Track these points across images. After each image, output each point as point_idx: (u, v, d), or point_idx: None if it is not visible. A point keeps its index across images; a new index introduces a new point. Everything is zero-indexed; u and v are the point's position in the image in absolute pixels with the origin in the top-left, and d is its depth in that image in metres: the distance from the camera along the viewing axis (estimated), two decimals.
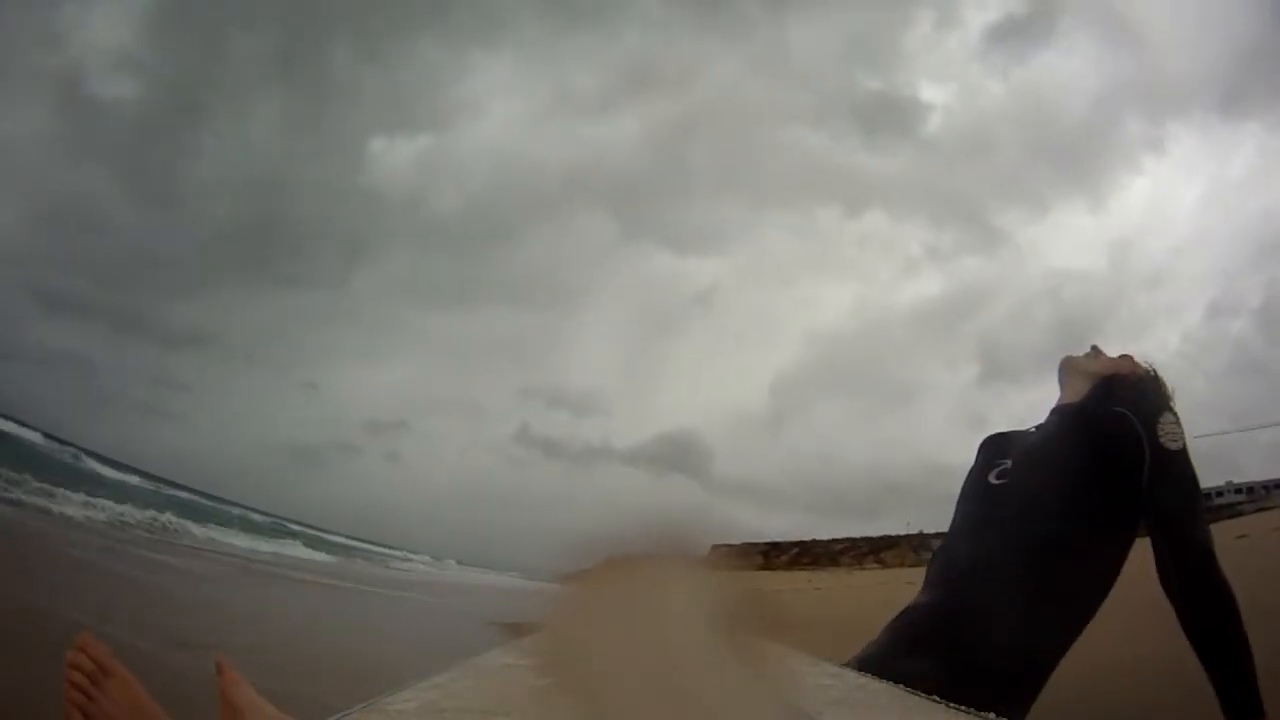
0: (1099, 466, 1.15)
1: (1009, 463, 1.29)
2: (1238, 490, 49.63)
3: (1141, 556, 1.16)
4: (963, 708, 0.72)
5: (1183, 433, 1.14)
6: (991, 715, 0.70)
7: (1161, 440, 1.11)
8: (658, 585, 0.47)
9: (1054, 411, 1.32)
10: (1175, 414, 1.16)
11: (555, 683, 0.54)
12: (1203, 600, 1.10)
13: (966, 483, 1.40)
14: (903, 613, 1.30)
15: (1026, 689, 1.12)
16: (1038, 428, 1.37)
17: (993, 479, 1.29)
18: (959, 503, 1.39)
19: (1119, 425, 1.14)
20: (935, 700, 0.75)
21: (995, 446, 1.38)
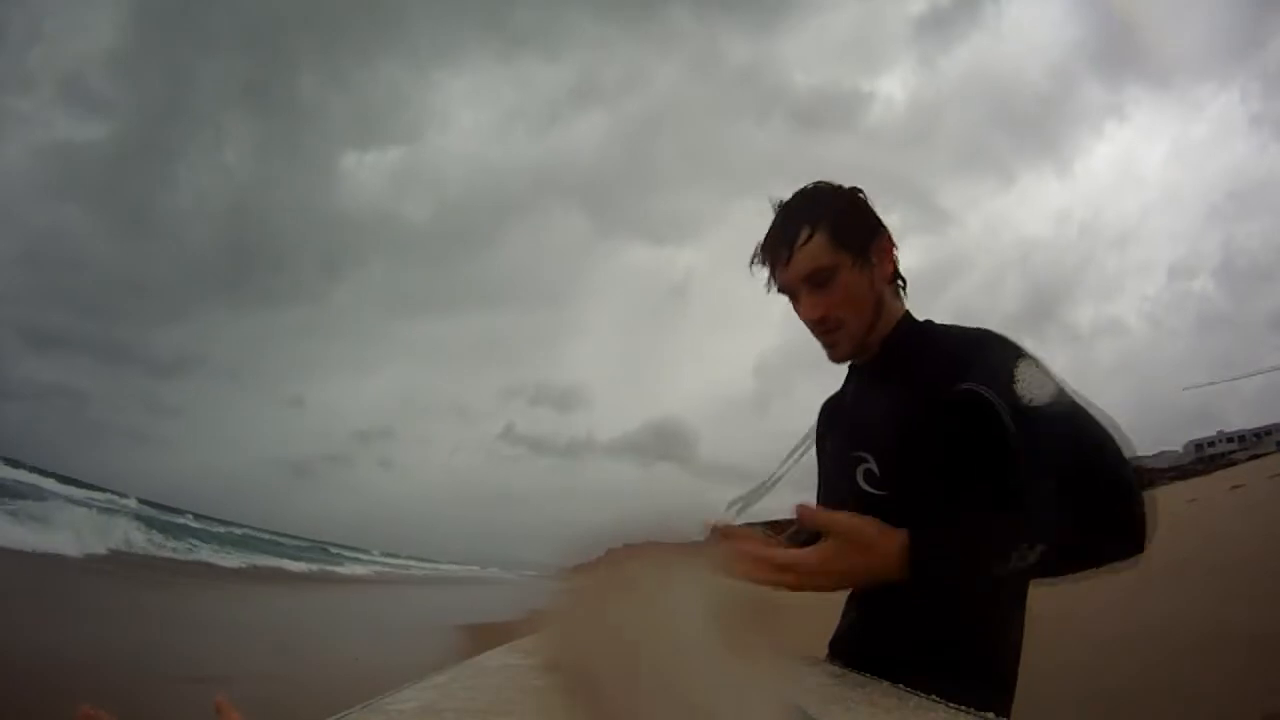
0: (975, 453, 0.97)
1: (872, 462, 1.08)
2: (1229, 439, 50.34)
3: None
4: (963, 708, 0.71)
5: (1048, 378, 0.95)
6: (991, 715, 0.68)
7: (1023, 400, 0.93)
8: (656, 581, 0.46)
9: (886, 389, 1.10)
10: (1033, 360, 0.97)
11: (555, 683, 0.53)
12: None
13: (832, 474, 1.18)
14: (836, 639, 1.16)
15: (1005, 671, 1.02)
16: (858, 388, 1.18)
17: (863, 484, 1.09)
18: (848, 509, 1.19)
19: (972, 404, 0.96)
20: (935, 700, 0.74)
21: (850, 433, 1.14)
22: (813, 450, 1.27)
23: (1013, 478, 0.97)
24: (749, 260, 1.15)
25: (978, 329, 1.07)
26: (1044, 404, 0.93)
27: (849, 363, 1.19)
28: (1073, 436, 0.92)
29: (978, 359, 1.00)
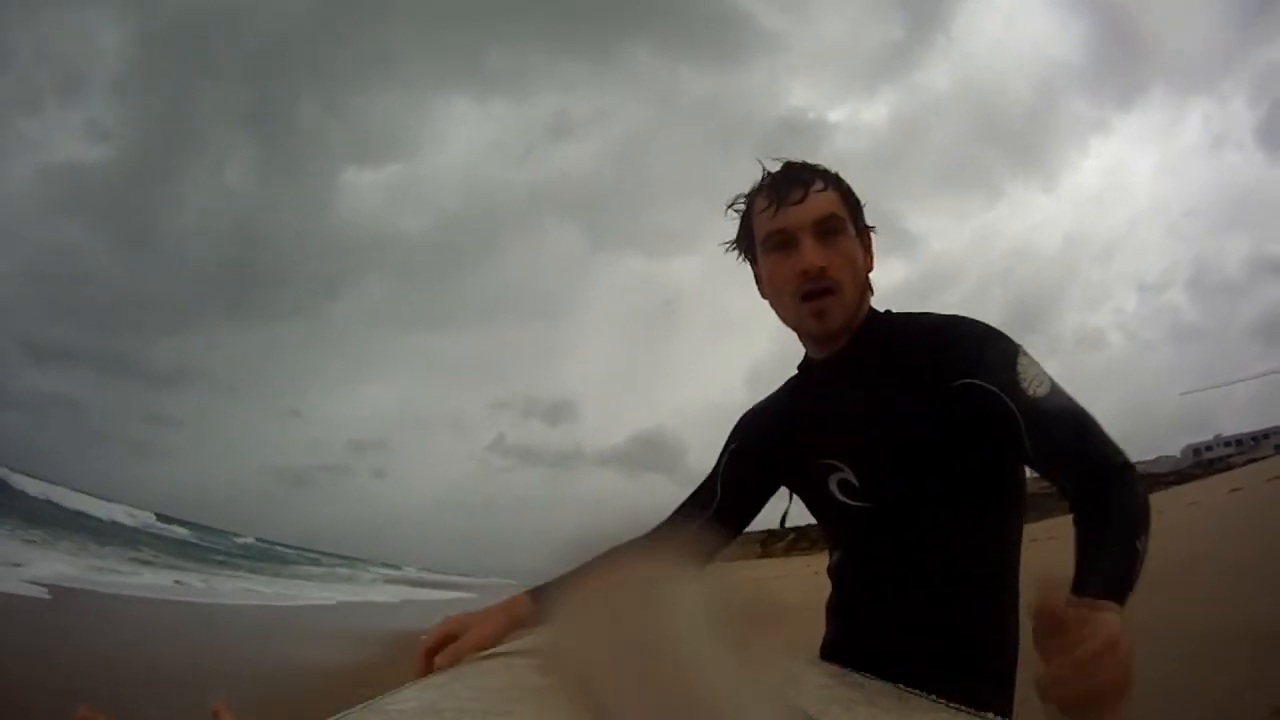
0: (975, 451, 0.95)
1: (848, 472, 1.01)
2: (1227, 443, 50.33)
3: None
4: (963, 708, 0.70)
5: (1042, 369, 0.93)
6: (991, 715, 0.67)
7: (1027, 391, 0.91)
8: (655, 582, 0.46)
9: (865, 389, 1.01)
10: (1026, 353, 0.94)
11: (555, 683, 0.53)
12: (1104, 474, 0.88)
13: (788, 487, 1.12)
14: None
15: (1005, 668, 0.98)
16: (818, 390, 1.07)
17: (839, 494, 1.02)
18: (820, 520, 1.12)
19: (975, 399, 0.92)
20: (935, 700, 0.73)
21: (815, 440, 1.05)
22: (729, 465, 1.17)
23: (1018, 468, 0.98)
24: (729, 205, 1.08)
25: (944, 316, 1.02)
26: (1045, 393, 0.92)
27: (798, 366, 1.12)
28: (1078, 425, 0.91)
29: (964, 349, 0.96)
